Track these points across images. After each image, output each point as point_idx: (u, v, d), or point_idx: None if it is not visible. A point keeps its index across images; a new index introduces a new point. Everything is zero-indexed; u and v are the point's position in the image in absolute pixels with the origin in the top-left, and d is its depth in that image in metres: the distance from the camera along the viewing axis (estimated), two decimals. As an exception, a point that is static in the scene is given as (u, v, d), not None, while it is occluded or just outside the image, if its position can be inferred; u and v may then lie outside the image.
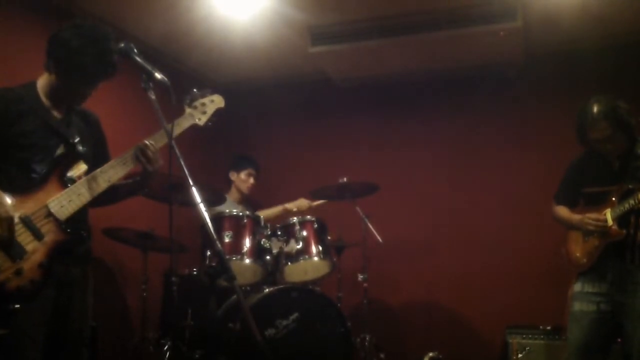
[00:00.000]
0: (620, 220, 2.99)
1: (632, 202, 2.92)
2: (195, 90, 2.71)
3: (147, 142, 2.47)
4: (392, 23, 4.48)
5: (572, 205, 3.29)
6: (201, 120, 2.68)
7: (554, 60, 5.03)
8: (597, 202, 3.11)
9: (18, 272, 2.15)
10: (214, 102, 2.74)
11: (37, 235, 2.23)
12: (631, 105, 3.03)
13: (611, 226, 3.00)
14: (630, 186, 2.98)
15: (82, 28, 2.39)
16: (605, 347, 3.10)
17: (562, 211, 3.31)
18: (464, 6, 4.31)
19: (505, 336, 4.39)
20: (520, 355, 4.25)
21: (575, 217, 3.20)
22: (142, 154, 2.45)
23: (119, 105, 4.30)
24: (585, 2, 4.22)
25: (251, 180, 4.82)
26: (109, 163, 2.44)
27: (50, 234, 2.26)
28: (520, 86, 5.12)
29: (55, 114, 2.47)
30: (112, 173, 2.42)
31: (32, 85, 2.46)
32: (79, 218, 2.38)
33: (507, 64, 5.03)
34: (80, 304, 2.47)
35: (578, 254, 3.18)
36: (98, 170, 2.41)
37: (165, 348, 3.78)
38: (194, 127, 2.67)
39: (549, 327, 4.26)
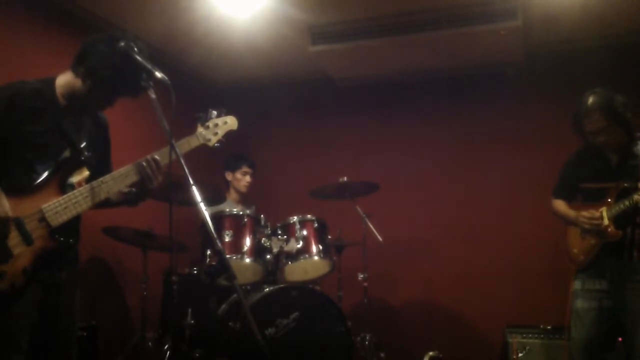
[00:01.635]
0: (617, 219, 2.99)
1: (627, 203, 2.92)
2: (211, 109, 2.71)
3: (149, 158, 2.45)
4: (392, 22, 4.47)
5: (570, 200, 3.29)
6: (211, 141, 2.68)
7: (554, 59, 5.03)
8: (595, 198, 3.12)
9: (0, 275, 2.13)
10: (227, 123, 2.73)
11: (27, 239, 2.20)
12: (631, 104, 3.03)
13: (607, 226, 3.00)
14: (626, 185, 2.98)
15: (122, 44, 2.34)
16: (609, 343, 3.10)
17: (560, 205, 3.31)
18: (464, 5, 4.30)
19: (505, 335, 4.39)
20: (520, 355, 4.25)
21: (572, 213, 3.20)
22: (144, 169, 2.44)
23: (119, 104, 4.29)
24: (585, 1, 4.22)
25: (247, 178, 4.78)
26: (111, 174, 2.42)
27: (39, 239, 2.23)
28: (521, 85, 5.11)
29: (68, 116, 2.44)
30: (112, 185, 2.40)
31: (50, 82, 2.42)
32: (70, 225, 2.34)
33: (507, 63, 5.03)
34: (69, 306, 2.45)
35: (576, 250, 3.18)
36: (99, 180, 2.38)
37: (166, 347, 3.80)
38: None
39: (549, 327, 4.26)
